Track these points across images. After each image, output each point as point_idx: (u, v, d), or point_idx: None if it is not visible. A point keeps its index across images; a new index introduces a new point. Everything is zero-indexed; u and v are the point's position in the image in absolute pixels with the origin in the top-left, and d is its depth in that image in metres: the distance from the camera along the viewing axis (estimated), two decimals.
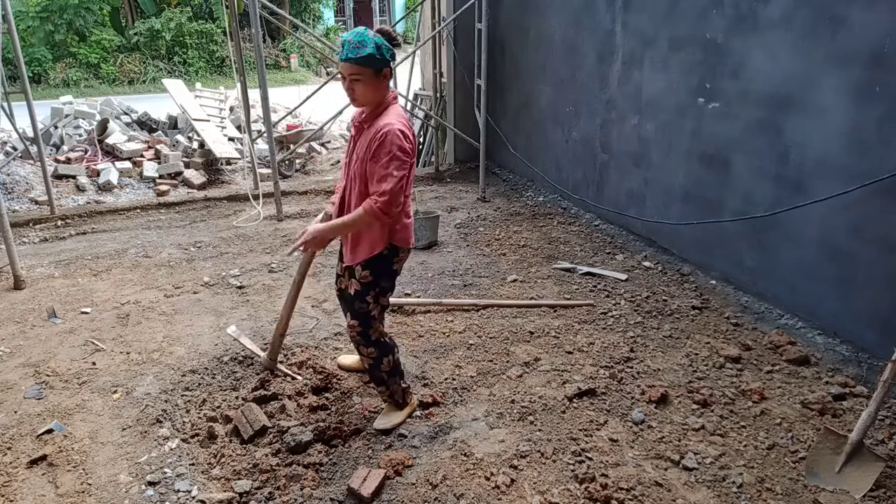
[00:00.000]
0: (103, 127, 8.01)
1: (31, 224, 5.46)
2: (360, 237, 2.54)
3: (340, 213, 2.63)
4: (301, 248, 2.55)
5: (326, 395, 3.00)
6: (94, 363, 3.30)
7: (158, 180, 7.22)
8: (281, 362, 3.21)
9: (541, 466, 2.51)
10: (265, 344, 3.33)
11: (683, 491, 2.39)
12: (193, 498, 2.37)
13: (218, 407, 2.90)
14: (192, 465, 2.55)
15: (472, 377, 3.15)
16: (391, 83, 2.55)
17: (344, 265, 2.72)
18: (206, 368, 3.23)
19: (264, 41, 16.84)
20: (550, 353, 3.37)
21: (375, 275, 2.55)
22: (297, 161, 8.54)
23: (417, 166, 7.86)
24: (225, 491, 2.39)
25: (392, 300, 3.90)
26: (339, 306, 3.92)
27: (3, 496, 2.39)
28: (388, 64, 2.38)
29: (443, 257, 4.75)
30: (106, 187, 6.87)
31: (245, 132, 6.72)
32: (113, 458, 2.59)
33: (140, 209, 5.95)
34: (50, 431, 2.73)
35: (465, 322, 3.70)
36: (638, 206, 4.80)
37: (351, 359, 3.27)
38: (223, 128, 8.51)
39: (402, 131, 2.36)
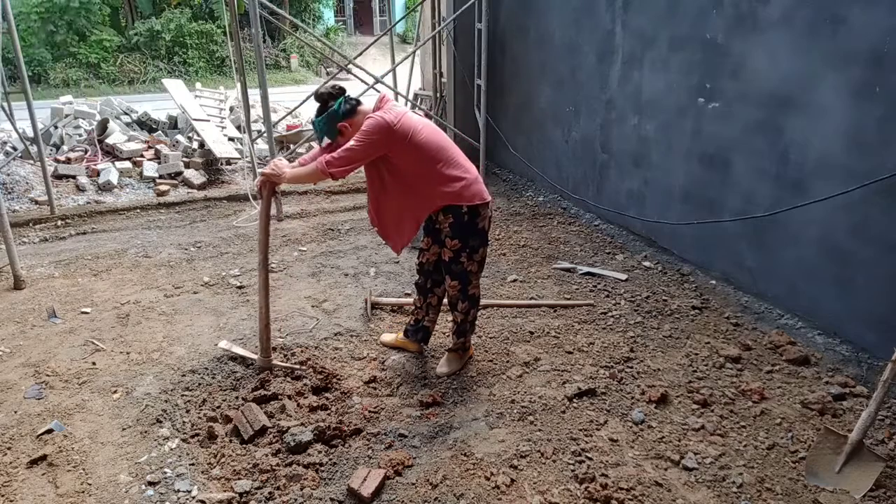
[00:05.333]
0: (103, 127, 8.01)
1: (31, 224, 5.45)
2: (393, 225, 2.94)
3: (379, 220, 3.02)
4: (258, 185, 2.88)
5: (326, 395, 3.00)
6: (94, 363, 3.30)
7: (158, 180, 7.22)
8: (281, 360, 3.21)
9: (541, 466, 2.51)
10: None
11: (683, 491, 2.39)
12: (193, 498, 2.37)
13: (218, 407, 2.90)
14: (192, 465, 2.55)
15: (472, 377, 3.15)
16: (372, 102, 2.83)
17: (397, 253, 3.07)
18: (206, 368, 3.23)
19: (264, 41, 16.85)
20: (550, 353, 3.37)
21: (463, 238, 2.88)
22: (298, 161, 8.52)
23: None
24: (225, 491, 2.39)
25: (392, 300, 3.92)
26: (339, 306, 3.94)
27: (3, 496, 2.39)
28: (340, 120, 2.76)
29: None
30: (106, 187, 6.87)
31: (245, 132, 6.72)
32: (113, 458, 2.59)
33: (140, 209, 5.95)
34: (50, 431, 2.73)
35: None
36: (638, 206, 4.79)
37: (390, 336, 3.49)
38: (223, 128, 8.50)
39: (384, 118, 2.65)
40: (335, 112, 2.75)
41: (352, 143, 2.65)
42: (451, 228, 2.85)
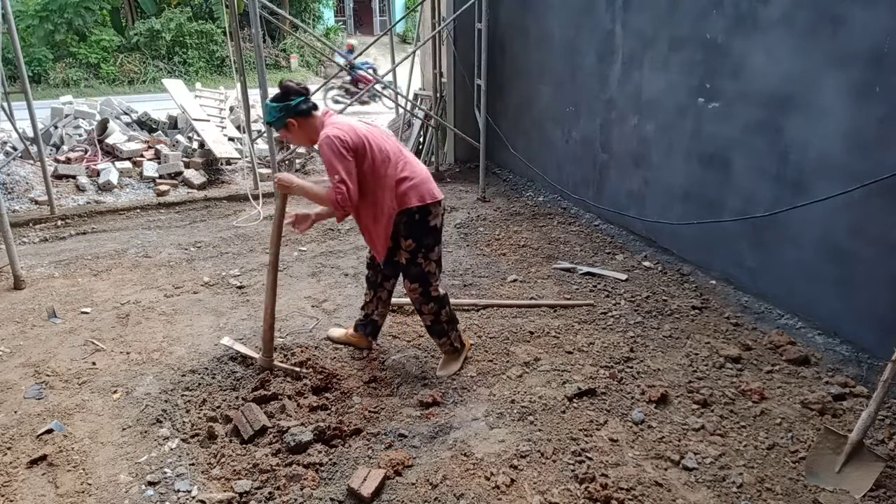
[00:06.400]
0: (103, 127, 8.01)
1: (31, 224, 5.46)
2: (371, 234, 2.96)
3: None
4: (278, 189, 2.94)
5: (326, 395, 3.00)
6: (94, 363, 3.30)
7: (158, 180, 7.22)
8: (282, 361, 3.21)
9: (541, 466, 2.51)
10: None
11: (683, 491, 2.39)
12: (193, 498, 2.37)
13: (218, 407, 2.90)
14: (192, 465, 2.55)
15: (472, 377, 3.15)
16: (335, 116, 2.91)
17: (380, 262, 3.10)
18: (206, 368, 3.23)
19: (264, 41, 16.85)
20: (550, 353, 3.37)
21: (417, 238, 2.91)
22: (297, 161, 8.54)
23: None
24: (225, 491, 2.39)
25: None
26: (339, 306, 3.94)
27: (3, 496, 2.39)
28: (292, 115, 2.81)
29: (443, 257, 4.75)
30: (106, 187, 6.87)
31: (245, 132, 6.72)
32: (113, 458, 2.59)
33: (140, 209, 5.95)
34: (50, 431, 2.73)
35: (465, 322, 3.70)
36: (638, 206, 4.79)
37: (339, 331, 3.50)
38: (223, 128, 8.50)
39: (329, 136, 2.71)
40: (292, 106, 2.81)
41: (333, 171, 2.71)
42: (405, 228, 2.90)
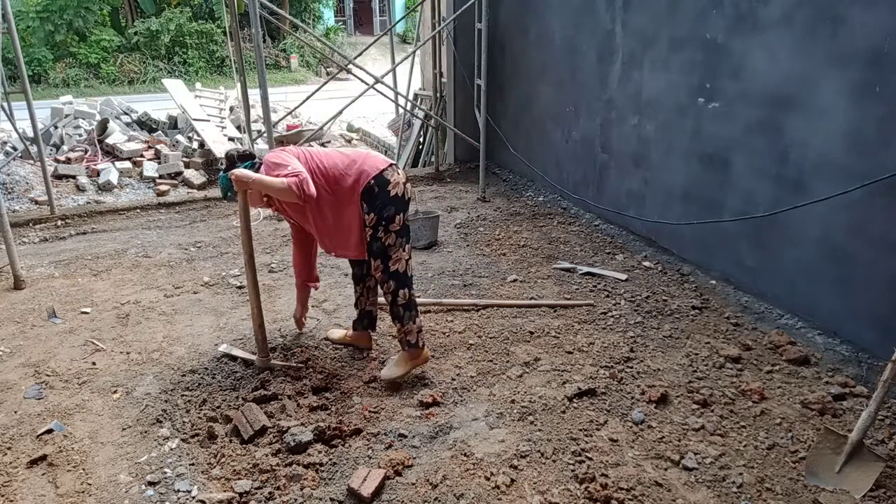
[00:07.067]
0: (103, 127, 8.01)
1: (31, 224, 5.46)
2: (342, 236, 3.00)
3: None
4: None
5: (326, 395, 3.00)
6: (94, 363, 3.31)
7: (158, 180, 7.22)
8: (282, 360, 3.21)
9: (541, 466, 2.51)
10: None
11: (683, 491, 2.39)
12: (193, 498, 2.37)
13: (218, 407, 2.90)
14: (192, 465, 2.55)
15: (472, 377, 3.15)
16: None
17: (354, 259, 3.18)
18: (206, 368, 3.23)
19: (264, 41, 16.84)
20: (550, 353, 3.37)
21: (377, 210, 2.87)
22: None
23: (417, 166, 7.86)
24: (225, 491, 2.39)
25: None
26: (339, 306, 3.94)
27: (3, 496, 2.39)
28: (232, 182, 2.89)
29: (443, 257, 4.75)
30: (106, 187, 6.87)
31: (245, 132, 6.72)
32: (113, 458, 2.59)
33: (140, 209, 5.95)
34: (50, 431, 2.73)
35: (465, 322, 3.70)
36: (638, 206, 4.80)
37: (339, 333, 3.50)
38: (223, 128, 8.51)
39: (266, 156, 2.90)
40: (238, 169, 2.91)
41: (283, 173, 2.75)
42: (367, 205, 2.89)
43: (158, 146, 7.91)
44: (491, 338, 3.53)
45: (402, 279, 2.98)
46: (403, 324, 3.02)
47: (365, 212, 2.89)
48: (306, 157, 2.91)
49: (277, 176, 2.76)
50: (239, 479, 2.44)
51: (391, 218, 2.90)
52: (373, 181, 2.86)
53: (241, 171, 2.89)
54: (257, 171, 2.90)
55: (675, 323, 3.67)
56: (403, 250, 2.98)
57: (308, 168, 2.83)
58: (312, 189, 2.74)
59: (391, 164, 2.96)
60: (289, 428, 2.67)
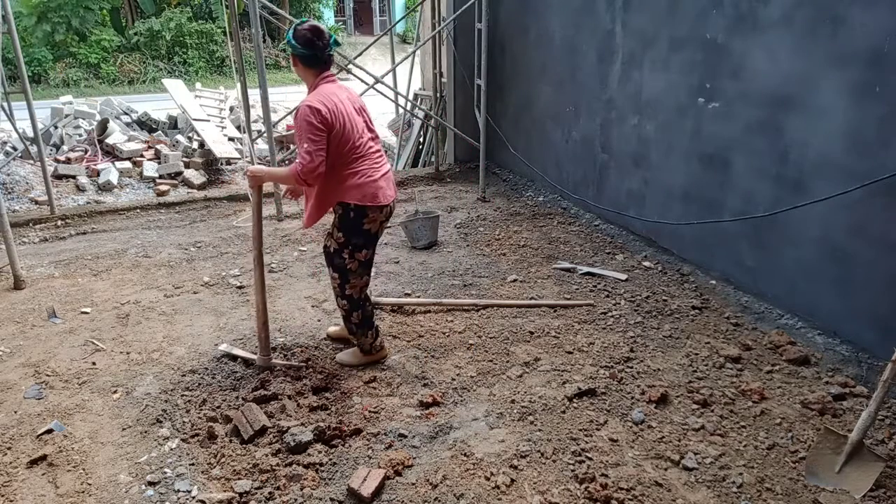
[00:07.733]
0: (103, 127, 8.02)
1: (31, 224, 5.45)
2: (308, 203, 2.93)
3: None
4: (250, 185, 2.98)
5: (326, 395, 3.00)
6: (94, 363, 3.31)
7: (158, 180, 7.22)
8: (284, 358, 3.21)
9: (541, 466, 2.52)
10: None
11: (683, 491, 2.40)
12: (193, 498, 2.37)
13: (218, 407, 2.90)
14: (192, 465, 2.55)
15: (472, 377, 3.15)
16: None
17: (303, 229, 3.11)
18: (206, 368, 3.23)
19: (264, 41, 16.84)
20: (550, 353, 3.37)
21: (346, 234, 2.92)
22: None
23: (417, 166, 7.86)
24: (225, 491, 2.39)
25: (392, 300, 3.92)
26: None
27: (3, 496, 2.39)
28: (295, 52, 2.82)
29: (443, 257, 4.75)
30: (106, 187, 6.87)
31: (245, 132, 6.72)
32: (113, 458, 2.59)
33: (140, 209, 5.95)
34: (50, 431, 2.73)
35: (465, 322, 3.70)
36: (638, 206, 4.80)
37: (338, 329, 3.50)
38: (223, 128, 8.51)
39: (309, 106, 2.70)
40: (296, 48, 2.80)
41: (302, 144, 2.70)
42: (339, 220, 2.92)
43: (158, 146, 7.91)
44: (491, 338, 3.53)
45: (355, 303, 3.07)
46: (357, 337, 3.17)
47: (335, 225, 2.93)
48: (342, 124, 2.77)
49: (299, 137, 2.71)
50: (239, 479, 2.44)
51: (359, 247, 2.95)
52: (353, 205, 2.85)
53: (255, 167, 2.89)
54: (309, 66, 2.83)
55: (675, 323, 3.67)
56: (361, 279, 3.04)
57: (332, 131, 2.73)
58: (312, 175, 2.69)
59: (381, 206, 2.90)
60: (289, 428, 2.67)
